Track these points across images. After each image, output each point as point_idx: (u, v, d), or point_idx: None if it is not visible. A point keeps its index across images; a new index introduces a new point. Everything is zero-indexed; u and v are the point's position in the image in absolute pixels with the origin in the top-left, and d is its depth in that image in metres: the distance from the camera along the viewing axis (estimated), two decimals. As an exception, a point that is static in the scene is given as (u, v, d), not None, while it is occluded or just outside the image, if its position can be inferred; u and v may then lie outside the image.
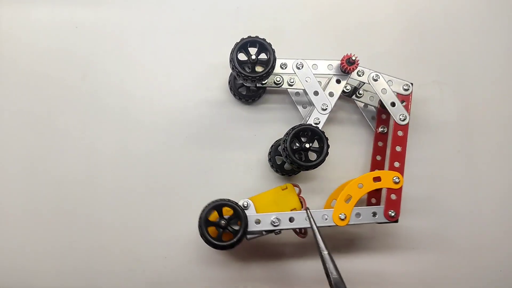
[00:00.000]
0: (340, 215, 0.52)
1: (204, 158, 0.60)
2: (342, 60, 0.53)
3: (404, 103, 0.56)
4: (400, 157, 0.55)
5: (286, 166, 0.58)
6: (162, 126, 0.60)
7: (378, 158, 0.60)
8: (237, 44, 0.51)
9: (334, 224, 0.52)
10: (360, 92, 0.60)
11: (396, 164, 0.55)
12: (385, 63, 0.63)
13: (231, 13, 0.64)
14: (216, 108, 0.61)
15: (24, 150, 0.59)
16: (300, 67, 0.54)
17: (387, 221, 0.53)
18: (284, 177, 0.60)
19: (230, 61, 0.51)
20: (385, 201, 0.54)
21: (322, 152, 0.50)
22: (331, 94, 0.54)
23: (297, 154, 0.50)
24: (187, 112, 0.61)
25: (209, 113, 0.61)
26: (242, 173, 0.60)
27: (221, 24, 0.63)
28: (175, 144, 0.60)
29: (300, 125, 0.51)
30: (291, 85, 0.57)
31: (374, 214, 0.53)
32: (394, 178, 0.53)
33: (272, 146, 0.59)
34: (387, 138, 0.61)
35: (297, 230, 0.53)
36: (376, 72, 0.55)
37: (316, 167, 0.51)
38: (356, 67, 0.53)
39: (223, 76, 0.61)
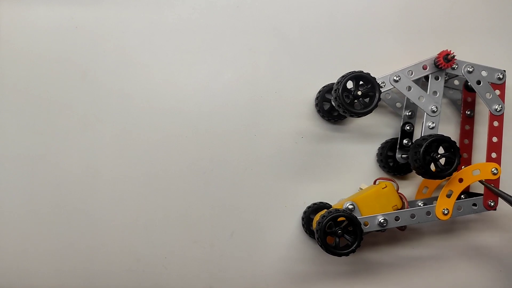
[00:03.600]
0: (443, 211, 0.54)
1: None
2: (439, 57, 0.53)
3: (498, 93, 0.56)
4: (496, 147, 0.56)
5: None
6: (163, 124, 0.61)
7: (466, 141, 0.61)
8: (340, 82, 0.51)
9: (437, 219, 0.54)
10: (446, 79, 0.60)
11: (493, 155, 0.56)
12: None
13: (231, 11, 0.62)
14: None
15: (24, 150, 0.59)
16: (398, 79, 0.53)
17: (486, 210, 0.56)
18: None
19: (336, 98, 0.51)
20: (484, 192, 0.56)
21: (455, 156, 0.51)
22: (435, 93, 0.54)
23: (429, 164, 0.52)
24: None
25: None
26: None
27: (220, 22, 0.62)
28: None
29: (424, 139, 0.51)
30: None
31: (474, 205, 0.56)
32: (493, 170, 0.55)
33: (381, 154, 0.61)
34: (474, 122, 0.61)
35: None
36: (471, 64, 0.55)
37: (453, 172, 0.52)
38: (453, 64, 0.53)
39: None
